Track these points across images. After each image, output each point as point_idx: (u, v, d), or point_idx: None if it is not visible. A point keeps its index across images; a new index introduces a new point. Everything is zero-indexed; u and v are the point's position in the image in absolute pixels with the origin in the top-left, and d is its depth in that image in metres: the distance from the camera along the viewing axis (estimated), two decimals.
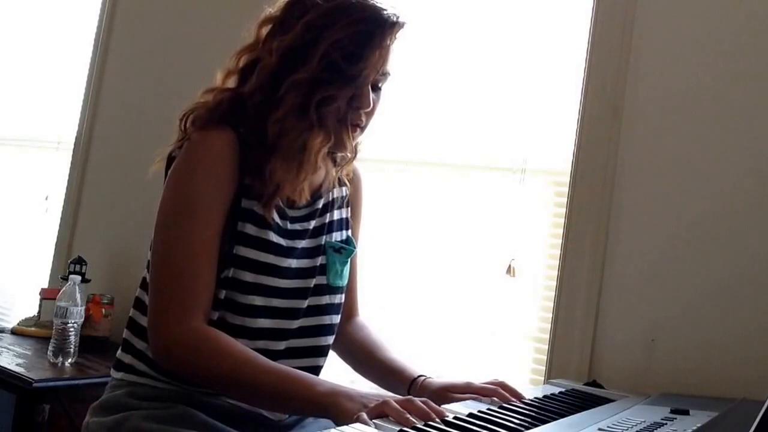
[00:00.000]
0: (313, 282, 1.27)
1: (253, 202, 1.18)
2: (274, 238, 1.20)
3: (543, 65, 1.87)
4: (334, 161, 1.33)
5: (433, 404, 0.96)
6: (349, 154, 1.33)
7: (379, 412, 0.93)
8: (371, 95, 1.20)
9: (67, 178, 2.72)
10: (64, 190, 2.72)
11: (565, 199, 1.71)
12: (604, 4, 1.71)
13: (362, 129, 1.24)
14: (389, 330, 1.88)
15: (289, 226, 1.24)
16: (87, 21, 2.79)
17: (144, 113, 2.51)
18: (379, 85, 1.23)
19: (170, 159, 1.22)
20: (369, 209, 1.61)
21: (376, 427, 0.89)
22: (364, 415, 0.92)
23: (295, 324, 1.25)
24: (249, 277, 1.18)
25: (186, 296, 1.12)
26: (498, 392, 1.16)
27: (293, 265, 1.23)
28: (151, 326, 1.14)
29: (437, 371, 1.30)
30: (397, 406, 0.93)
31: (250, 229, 1.18)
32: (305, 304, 1.26)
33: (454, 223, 1.92)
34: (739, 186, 1.51)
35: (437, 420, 0.92)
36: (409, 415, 0.91)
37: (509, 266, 1.83)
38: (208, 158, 1.16)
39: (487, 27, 1.95)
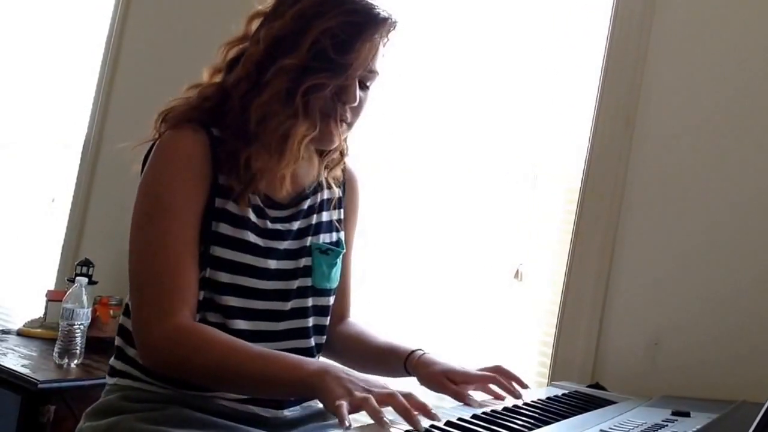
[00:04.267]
0: (295, 284, 1.24)
1: (226, 201, 1.16)
2: (251, 238, 1.17)
3: (558, 72, 1.86)
4: (323, 159, 1.30)
5: (417, 398, 0.93)
6: (337, 155, 1.31)
7: (358, 407, 0.91)
8: (358, 92, 1.17)
9: (75, 179, 2.73)
10: (72, 192, 2.73)
11: (575, 205, 1.71)
12: (621, 13, 1.71)
13: (349, 126, 1.21)
14: (395, 332, 1.88)
15: (270, 225, 1.20)
16: (99, 22, 2.81)
17: (154, 115, 2.51)
18: (367, 83, 1.20)
19: (145, 159, 1.20)
20: (379, 213, 1.59)
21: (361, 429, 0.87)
22: (344, 407, 0.89)
23: (280, 326, 1.22)
24: (225, 277, 1.15)
25: (165, 294, 1.09)
26: (496, 379, 1.16)
27: (273, 266, 1.20)
28: (135, 328, 1.11)
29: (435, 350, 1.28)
30: (376, 405, 0.90)
31: (225, 229, 1.15)
32: (288, 306, 1.23)
33: (464, 226, 1.92)
34: (747, 197, 1.51)
35: (422, 414, 0.90)
36: (384, 417, 0.88)
37: (517, 270, 1.83)
38: (177, 158, 1.15)
39: (503, 33, 1.95)
